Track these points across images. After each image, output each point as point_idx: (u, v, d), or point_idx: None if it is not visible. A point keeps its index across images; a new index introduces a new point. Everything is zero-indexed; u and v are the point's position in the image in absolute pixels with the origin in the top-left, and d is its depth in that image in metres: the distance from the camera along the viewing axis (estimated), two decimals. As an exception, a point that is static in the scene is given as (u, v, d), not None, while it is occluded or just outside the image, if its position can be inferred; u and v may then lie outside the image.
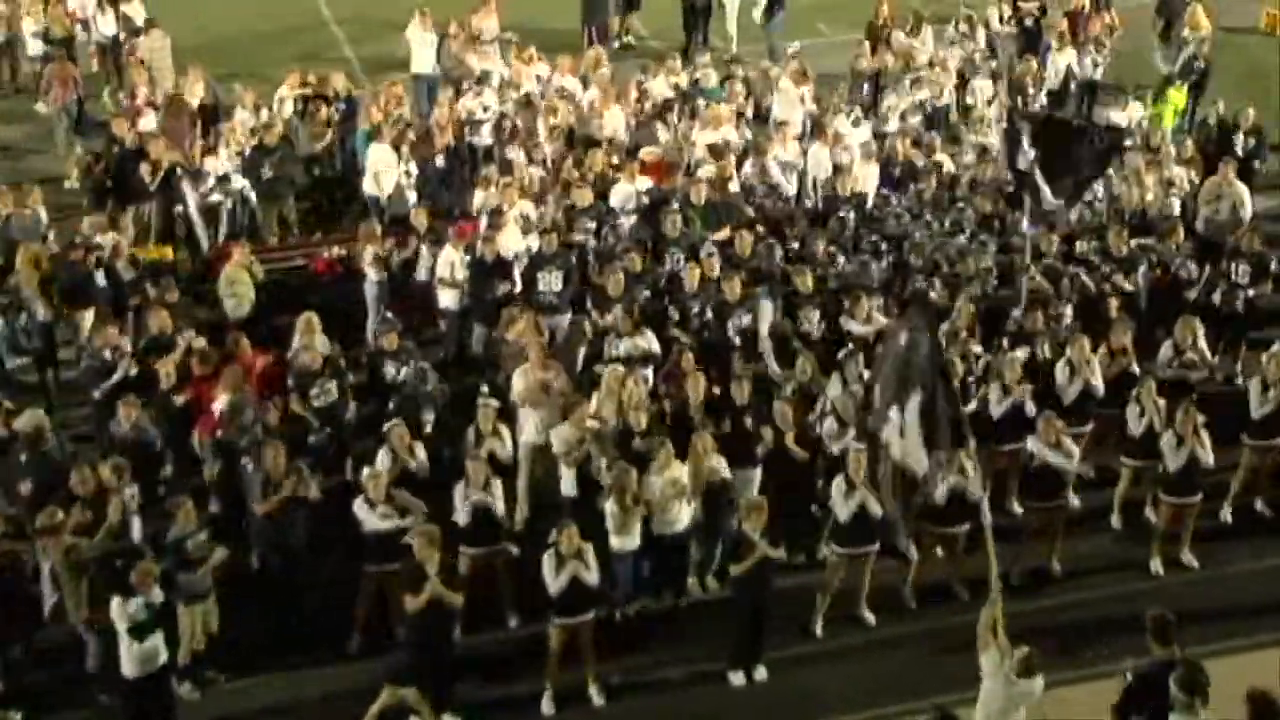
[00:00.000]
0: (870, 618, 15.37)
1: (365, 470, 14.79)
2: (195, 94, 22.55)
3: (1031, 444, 15.65)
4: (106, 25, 25.66)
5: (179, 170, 20.75)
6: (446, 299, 18.77)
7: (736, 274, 17.86)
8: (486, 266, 18.39)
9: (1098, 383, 16.51)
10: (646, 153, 21.64)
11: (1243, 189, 20.62)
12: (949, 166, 21.41)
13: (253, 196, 21.12)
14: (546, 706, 14.29)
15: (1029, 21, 26.30)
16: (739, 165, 21.21)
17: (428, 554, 13.51)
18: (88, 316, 18.22)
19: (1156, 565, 16.14)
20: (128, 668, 13.16)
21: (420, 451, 15.28)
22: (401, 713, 13.40)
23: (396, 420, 15.48)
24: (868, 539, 14.96)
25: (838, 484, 14.81)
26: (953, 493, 15.01)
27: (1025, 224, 18.12)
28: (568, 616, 13.99)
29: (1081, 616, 15.17)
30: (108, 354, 16.65)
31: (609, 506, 14.66)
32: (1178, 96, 24.10)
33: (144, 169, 20.78)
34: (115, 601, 13.05)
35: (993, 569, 12.46)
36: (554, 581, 13.76)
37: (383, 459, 15.11)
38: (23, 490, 14.92)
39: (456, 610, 13.85)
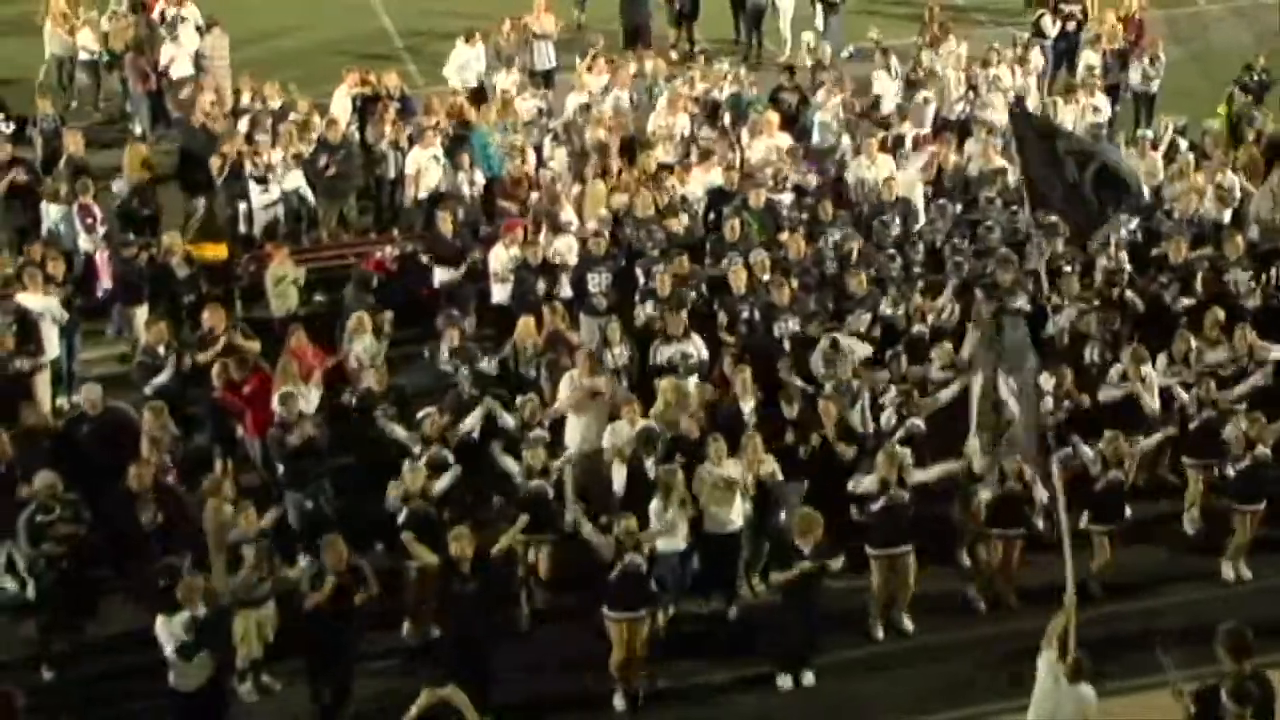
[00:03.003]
0: (909, 625, 15.27)
1: (405, 464, 14.86)
2: (273, 98, 22.66)
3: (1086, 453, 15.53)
4: (179, 67, 25.19)
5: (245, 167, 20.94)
6: (498, 294, 18.91)
7: (786, 279, 17.80)
8: (528, 268, 18.53)
9: (1151, 403, 16.40)
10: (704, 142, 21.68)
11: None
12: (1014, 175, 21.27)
13: (310, 196, 21.23)
14: (619, 703, 14.26)
15: (1071, 26, 26.17)
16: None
17: (463, 553, 13.61)
18: (140, 313, 18.41)
19: (1229, 571, 15.93)
20: (178, 683, 13.16)
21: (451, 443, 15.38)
22: (442, 713, 13.34)
23: (431, 410, 15.55)
24: (901, 539, 14.91)
25: (870, 481, 14.81)
26: (1006, 498, 14.95)
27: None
28: (623, 611, 13.95)
29: (1143, 625, 14.88)
30: (161, 350, 16.76)
31: (654, 506, 14.61)
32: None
33: (213, 163, 20.97)
34: (159, 621, 13.00)
35: (1069, 576, 12.29)
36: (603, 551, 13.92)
37: (408, 437, 15.31)
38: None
39: (490, 607, 13.83)
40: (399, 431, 15.50)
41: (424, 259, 19.51)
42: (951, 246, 19.01)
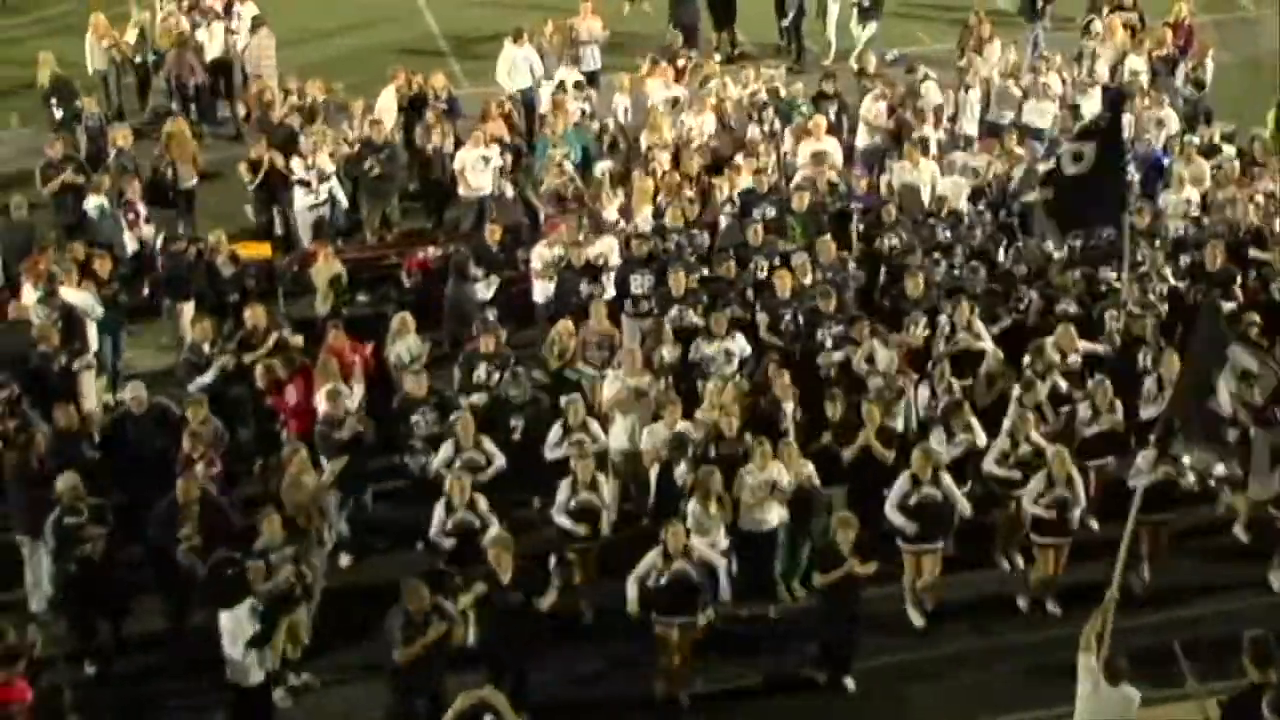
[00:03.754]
0: (918, 619, 15.27)
1: (447, 474, 14.81)
2: (318, 95, 22.81)
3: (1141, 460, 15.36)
4: (214, 47, 25.48)
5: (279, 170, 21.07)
6: (538, 293, 18.99)
7: (832, 288, 17.73)
8: (571, 268, 18.62)
9: None
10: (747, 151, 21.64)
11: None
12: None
13: (342, 197, 21.35)
14: (663, 706, 14.25)
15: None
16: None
17: (504, 561, 13.52)
18: (187, 310, 18.51)
19: (1277, 582, 15.77)
20: (238, 677, 13.16)
21: (488, 445, 15.29)
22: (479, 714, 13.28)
23: (463, 411, 15.53)
24: (929, 537, 14.93)
25: (902, 480, 14.81)
26: (1058, 503, 14.89)
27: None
28: (671, 616, 13.96)
29: (1186, 634, 14.71)
30: (205, 348, 16.84)
31: (690, 506, 14.62)
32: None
33: (242, 168, 21.13)
34: (224, 616, 13.01)
35: (1116, 576, 12.33)
36: (655, 578, 13.81)
37: (446, 451, 15.20)
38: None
39: (529, 615, 13.71)
40: (434, 461, 15.37)
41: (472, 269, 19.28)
42: (1016, 251, 18.98)
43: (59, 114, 23.12)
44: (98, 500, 14.53)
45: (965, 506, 15.17)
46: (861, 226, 19.97)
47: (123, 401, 16.41)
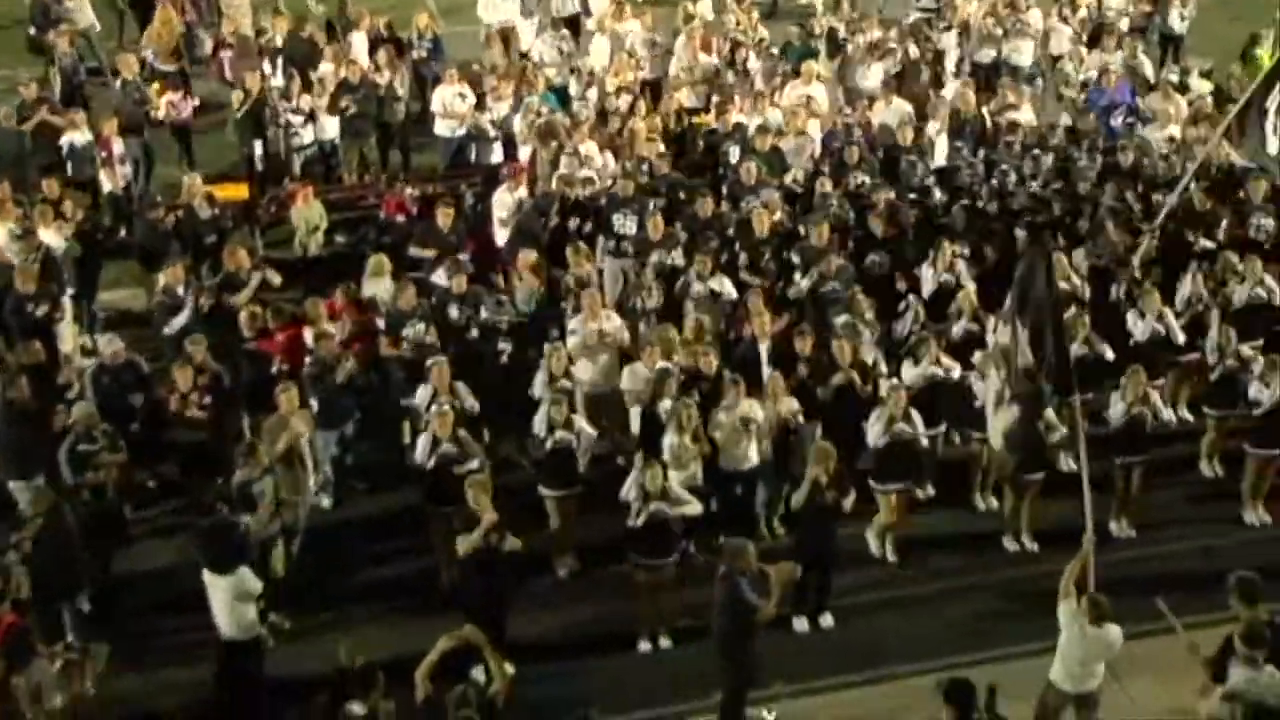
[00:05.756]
0: (891, 556, 15.40)
1: (432, 408, 14.74)
2: (280, 30, 22.76)
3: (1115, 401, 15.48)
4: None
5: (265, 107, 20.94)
6: (502, 239, 18.79)
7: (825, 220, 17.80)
8: (542, 209, 18.54)
9: (1177, 334, 16.53)
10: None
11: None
12: (1028, 119, 21.25)
13: (339, 142, 21.40)
14: (644, 645, 14.28)
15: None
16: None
17: (482, 501, 13.47)
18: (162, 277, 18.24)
19: (1251, 516, 15.98)
20: (242, 632, 13.09)
21: (462, 390, 15.14)
22: (464, 655, 13.26)
23: (439, 358, 15.39)
24: (900, 476, 15.05)
25: (875, 417, 14.88)
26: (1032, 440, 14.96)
27: None
28: (650, 558, 13.99)
29: (1162, 568, 14.94)
30: (179, 290, 16.66)
31: (667, 438, 14.63)
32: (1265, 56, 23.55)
33: (235, 97, 21.02)
34: (246, 571, 12.95)
35: (1088, 519, 12.57)
36: (635, 518, 13.81)
37: (422, 394, 15.11)
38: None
39: (508, 555, 13.64)
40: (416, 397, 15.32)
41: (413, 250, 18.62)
42: (989, 189, 19.07)
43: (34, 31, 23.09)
44: (111, 427, 14.54)
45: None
46: (827, 167, 19.90)
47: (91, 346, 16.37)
